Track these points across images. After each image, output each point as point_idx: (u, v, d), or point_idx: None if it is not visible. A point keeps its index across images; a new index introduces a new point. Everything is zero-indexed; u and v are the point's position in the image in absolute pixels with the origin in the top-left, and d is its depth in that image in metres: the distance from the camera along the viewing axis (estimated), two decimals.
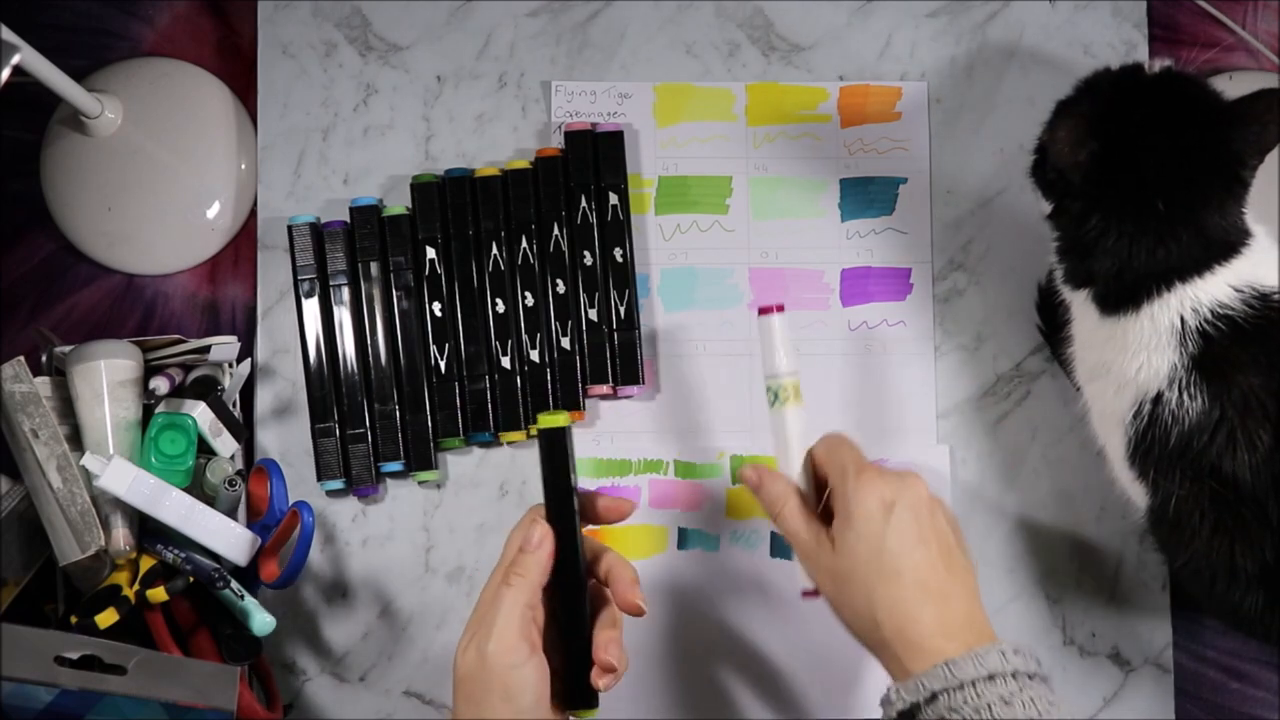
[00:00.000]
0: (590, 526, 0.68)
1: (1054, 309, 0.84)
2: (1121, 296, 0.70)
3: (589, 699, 0.66)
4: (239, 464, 0.81)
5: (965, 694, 0.59)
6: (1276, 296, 0.68)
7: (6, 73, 0.69)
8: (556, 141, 0.86)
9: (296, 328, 0.83)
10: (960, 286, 0.86)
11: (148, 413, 0.77)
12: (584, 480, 0.83)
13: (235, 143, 0.86)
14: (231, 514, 0.76)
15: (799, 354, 0.76)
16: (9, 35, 0.70)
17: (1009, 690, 0.59)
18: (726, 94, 0.87)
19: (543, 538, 0.65)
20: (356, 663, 0.82)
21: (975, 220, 0.86)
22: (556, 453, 0.66)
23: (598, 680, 0.64)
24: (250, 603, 0.75)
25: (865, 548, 0.63)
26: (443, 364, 0.83)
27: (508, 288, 0.84)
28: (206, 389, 0.77)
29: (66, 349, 0.77)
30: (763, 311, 0.73)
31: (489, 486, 0.84)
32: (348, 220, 0.84)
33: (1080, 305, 0.74)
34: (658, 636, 0.82)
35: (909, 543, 0.63)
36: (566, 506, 0.66)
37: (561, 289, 0.84)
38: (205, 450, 0.78)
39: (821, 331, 0.85)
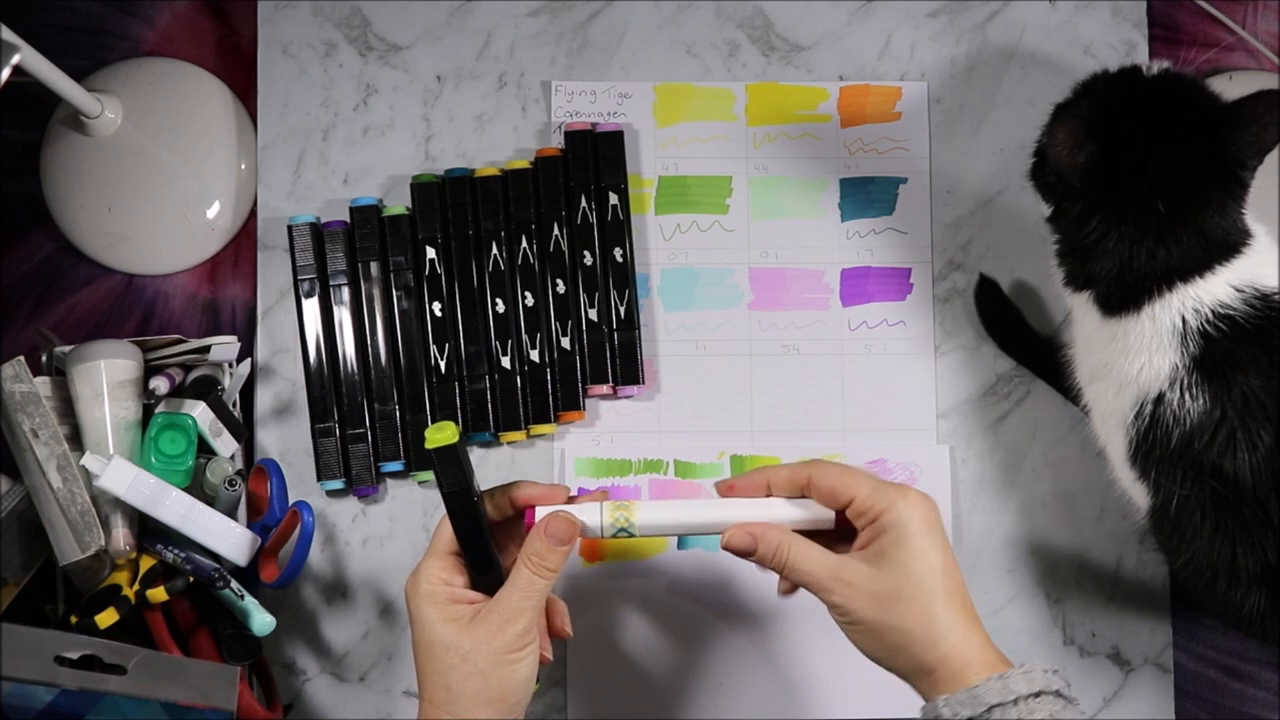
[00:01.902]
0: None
1: (995, 315, 0.84)
2: (1122, 298, 0.70)
3: None
4: (239, 464, 0.81)
5: (1019, 709, 0.58)
6: (1277, 297, 0.68)
7: (6, 73, 0.68)
8: (556, 141, 0.86)
9: (296, 328, 0.83)
10: (960, 286, 0.86)
11: (148, 413, 0.77)
12: (584, 481, 0.83)
13: (235, 143, 0.86)
14: (231, 514, 0.76)
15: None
16: (9, 35, 0.70)
17: (1053, 709, 0.58)
18: (726, 94, 0.87)
19: (570, 533, 0.64)
20: (356, 663, 0.82)
21: (975, 220, 0.86)
22: (451, 468, 0.63)
23: None
24: (250, 603, 0.75)
25: (922, 565, 0.60)
26: (443, 364, 0.83)
27: (508, 288, 0.83)
28: (206, 389, 0.77)
29: (66, 349, 0.77)
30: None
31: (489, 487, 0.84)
32: (348, 220, 0.84)
33: (1081, 307, 0.74)
34: (658, 636, 0.82)
35: (953, 563, 0.61)
36: (472, 519, 0.64)
37: (561, 289, 0.84)
38: (205, 450, 0.78)
39: (821, 331, 0.85)
